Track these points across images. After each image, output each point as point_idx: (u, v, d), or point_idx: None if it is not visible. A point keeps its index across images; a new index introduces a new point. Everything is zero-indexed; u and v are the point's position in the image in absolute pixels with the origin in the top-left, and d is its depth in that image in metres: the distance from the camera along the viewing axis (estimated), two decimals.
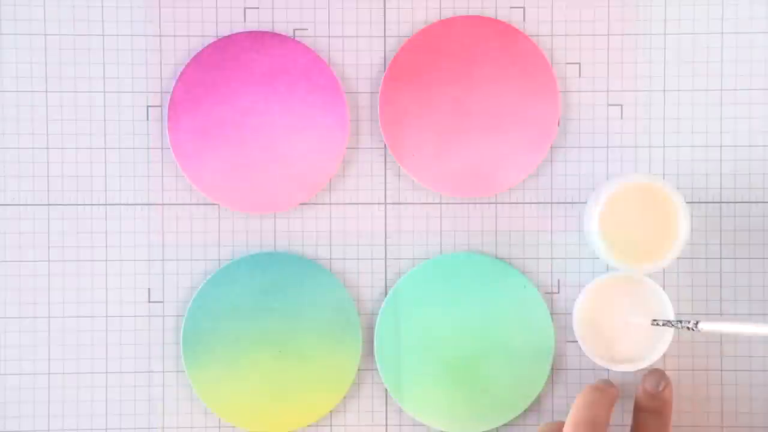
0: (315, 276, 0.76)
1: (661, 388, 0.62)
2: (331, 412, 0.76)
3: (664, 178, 0.76)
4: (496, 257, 0.77)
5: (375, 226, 0.77)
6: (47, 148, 0.76)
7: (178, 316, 0.77)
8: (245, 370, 0.76)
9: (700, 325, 0.61)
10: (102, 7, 0.77)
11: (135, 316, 0.77)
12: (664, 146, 0.77)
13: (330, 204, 0.77)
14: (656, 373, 0.63)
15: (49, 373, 0.76)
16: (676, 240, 0.70)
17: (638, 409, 0.70)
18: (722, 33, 0.77)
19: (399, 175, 0.77)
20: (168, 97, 0.76)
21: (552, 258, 0.77)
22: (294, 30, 0.77)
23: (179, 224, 0.77)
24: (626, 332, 0.73)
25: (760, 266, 0.76)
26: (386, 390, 0.77)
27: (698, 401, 0.76)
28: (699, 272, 0.76)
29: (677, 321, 0.64)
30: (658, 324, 0.64)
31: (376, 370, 0.76)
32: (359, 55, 0.77)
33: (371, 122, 0.77)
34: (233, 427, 0.76)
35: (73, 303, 0.76)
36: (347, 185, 0.77)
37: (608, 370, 0.76)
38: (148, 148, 0.77)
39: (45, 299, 0.76)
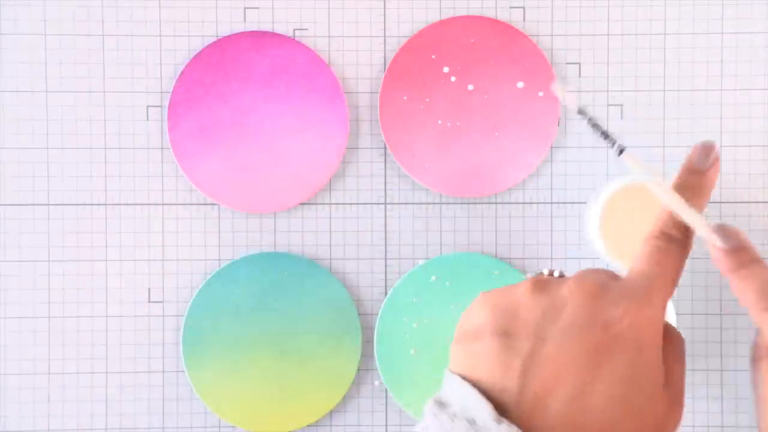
0: (315, 276, 0.76)
1: (707, 166, 0.50)
2: (331, 412, 0.76)
3: (664, 178, 0.76)
4: (496, 257, 0.77)
5: (375, 226, 0.77)
6: (47, 148, 0.76)
7: (178, 316, 0.77)
8: (245, 370, 0.76)
9: (623, 154, 0.53)
10: (102, 7, 0.77)
11: (135, 316, 0.77)
12: (664, 146, 0.77)
13: (330, 204, 0.77)
14: (706, 147, 0.50)
15: (49, 373, 0.76)
16: None
17: (677, 184, 0.58)
18: (722, 33, 0.77)
19: (399, 175, 0.77)
20: (168, 97, 0.76)
21: (552, 258, 0.77)
22: (294, 30, 0.77)
23: (179, 224, 0.77)
24: None
25: None
26: (386, 390, 0.77)
27: (699, 400, 0.76)
28: (699, 272, 0.76)
29: (605, 135, 0.55)
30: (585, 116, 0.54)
31: (376, 370, 0.76)
32: (359, 55, 0.77)
33: (371, 122, 0.77)
34: (233, 427, 0.76)
35: (73, 303, 0.76)
36: (347, 185, 0.77)
37: None
38: (148, 148, 0.77)
39: (45, 299, 0.76)
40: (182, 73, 0.76)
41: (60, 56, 0.76)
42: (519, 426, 0.43)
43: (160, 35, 0.77)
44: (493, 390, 0.44)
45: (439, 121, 0.76)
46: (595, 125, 0.50)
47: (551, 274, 0.50)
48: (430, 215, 0.77)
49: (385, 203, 0.77)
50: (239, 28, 0.77)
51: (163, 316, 0.77)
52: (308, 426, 0.76)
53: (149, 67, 0.77)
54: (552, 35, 0.77)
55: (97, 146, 0.77)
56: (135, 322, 0.77)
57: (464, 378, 0.45)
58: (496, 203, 0.77)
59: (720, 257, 0.47)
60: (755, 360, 0.47)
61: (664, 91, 0.77)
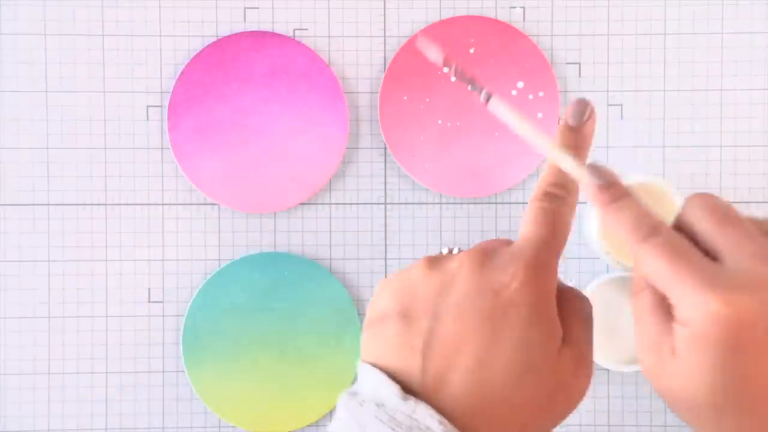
0: (315, 276, 0.76)
1: (584, 120, 0.50)
2: (331, 412, 0.76)
3: (664, 178, 0.76)
4: None
5: (375, 226, 0.77)
6: (47, 148, 0.76)
7: (178, 316, 0.77)
8: (245, 370, 0.76)
9: (490, 103, 0.52)
10: (102, 7, 0.77)
11: (135, 316, 0.77)
12: (664, 146, 0.77)
13: (330, 204, 0.77)
14: (580, 104, 0.50)
15: (49, 373, 0.76)
16: None
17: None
18: (722, 33, 0.77)
19: (399, 175, 0.77)
20: (168, 97, 0.76)
21: None
22: (294, 30, 0.77)
23: (179, 224, 0.77)
24: (628, 333, 0.73)
25: None
26: None
27: None
28: None
29: (474, 86, 0.52)
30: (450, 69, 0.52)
31: None
32: (359, 55, 0.77)
33: (371, 122, 0.77)
34: (233, 427, 0.76)
35: (73, 303, 0.76)
36: (347, 185, 0.77)
37: (608, 370, 0.76)
38: (148, 148, 0.77)
39: (45, 299, 0.76)
40: (182, 73, 0.76)
41: (60, 56, 0.76)
42: (426, 402, 0.43)
43: (160, 35, 0.77)
44: (401, 373, 0.45)
45: (439, 121, 0.76)
46: (460, 74, 0.49)
47: (450, 252, 0.51)
48: (430, 215, 0.77)
49: (385, 203, 0.77)
50: (239, 28, 0.77)
51: (163, 316, 0.77)
52: (308, 426, 0.76)
53: (149, 67, 0.77)
54: (552, 35, 0.77)
55: (97, 146, 0.77)
56: (135, 322, 0.77)
57: (374, 365, 0.45)
58: (496, 203, 0.77)
59: (594, 193, 0.46)
60: (634, 294, 0.46)
61: (664, 91, 0.77)
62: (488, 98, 0.49)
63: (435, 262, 0.47)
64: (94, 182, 0.77)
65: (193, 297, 0.76)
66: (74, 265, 0.77)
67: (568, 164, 0.47)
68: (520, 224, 0.47)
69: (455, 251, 0.50)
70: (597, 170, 0.47)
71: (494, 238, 0.48)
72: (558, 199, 0.48)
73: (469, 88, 0.50)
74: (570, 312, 0.47)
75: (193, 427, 0.77)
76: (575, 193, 0.49)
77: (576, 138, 0.50)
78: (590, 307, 0.48)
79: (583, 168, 0.47)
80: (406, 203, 0.77)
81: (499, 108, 0.48)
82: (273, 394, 0.76)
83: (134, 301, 0.77)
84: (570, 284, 0.49)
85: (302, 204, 0.77)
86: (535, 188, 0.49)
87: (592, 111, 0.51)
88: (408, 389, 0.44)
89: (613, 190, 0.46)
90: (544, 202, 0.48)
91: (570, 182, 0.49)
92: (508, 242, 0.47)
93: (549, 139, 0.48)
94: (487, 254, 0.46)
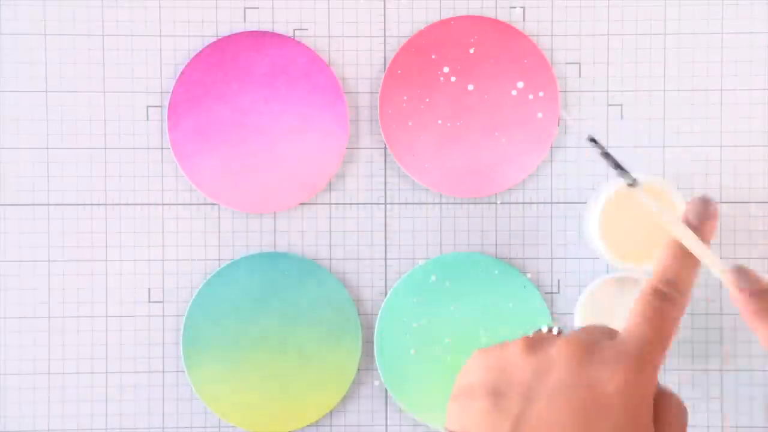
0: (315, 276, 0.76)
1: (706, 219, 0.49)
2: (331, 412, 0.76)
3: (664, 178, 0.76)
4: (496, 257, 0.77)
5: (375, 226, 0.77)
6: (47, 148, 0.76)
7: (178, 316, 0.77)
8: (245, 370, 0.76)
9: (639, 188, 0.52)
10: (102, 7, 0.77)
11: (135, 316, 0.77)
12: (664, 146, 0.77)
13: (330, 204, 0.77)
14: (702, 203, 0.48)
15: (49, 373, 0.76)
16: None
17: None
18: (722, 33, 0.77)
19: (399, 175, 0.77)
20: (168, 97, 0.76)
21: (552, 258, 0.77)
22: (294, 30, 0.77)
23: (179, 224, 0.77)
24: None
25: (759, 266, 0.76)
26: (386, 390, 0.77)
27: (699, 400, 0.76)
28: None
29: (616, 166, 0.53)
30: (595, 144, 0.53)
31: (376, 370, 0.76)
32: (359, 55, 0.77)
33: (371, 122, 0.77)
34: (233, 427, 0.76)
35: (73, 303, 0.76)
36: (347, 185, 0.77)
37: None
38: (148, 148, 0.77)
39: (45, 299, 0.76)
40: (182, 73, 0.76)
41: (60, 56, 0.76)
42: None
43: (160, 35, 0.77)
44: None
45: (439, 121, 0.76)
46: (607, 156, 0.50)
47: (550, 331, 0.50)
48: (430, 215, 0.77)
49: (385, 203, 0.77)
50: (239, 28, 0.77)
51: (163, 316, 0.77)
52: (308, 426, 0.76)
53: (149, 67, 0.77)
54: (552, 35, 0.77)
55: (97, 146, 0.77)
56: (135, 322, 0.77)
57: None
58: (496, 203, 0.77)
59: (742, 299, 0.46)
60: None
61: (664, 91, 0.77)
62: (634, 183, 0.50)
63: (534, 344, 0.47)
64: (94, 182, 0.77)
65: (193, 297, 0.76)
66: (74, 265, 0.77)
67: (714, 264, 0.47)
68: (627, 315, 0.46)
69: (555, 331, 0.50)
70: (744, 274, 0.46)
71: (595, 325, 0.47)
72: (668, 298, 0.47)
73: (614, 170, 0.51)
74: (665, 418, 0.46)
75: (193, 427, 0.77)
76: (687, 294, 0.48)
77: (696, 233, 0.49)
78: (686, 415, 0.47)
79: (728, 270, 0.46)
80: (406, 203, 0.77)
81: (647, 196, 0.49)
82: (273, 394, 0.76)
83: (134, 301, 0.77)
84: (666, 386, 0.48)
85: (302, 204, 0.77)
86: (647, 281, 0.48)
87: (715, 210, 0.50)
88: None
89: (762, 297, 0.46)
90: (655, 298, 0.47)
91: (683, 282, 0.48)
92: (611, 333, 0.46)
93: (694, 235, 0.47)
94: (590, 346, 0.45)
